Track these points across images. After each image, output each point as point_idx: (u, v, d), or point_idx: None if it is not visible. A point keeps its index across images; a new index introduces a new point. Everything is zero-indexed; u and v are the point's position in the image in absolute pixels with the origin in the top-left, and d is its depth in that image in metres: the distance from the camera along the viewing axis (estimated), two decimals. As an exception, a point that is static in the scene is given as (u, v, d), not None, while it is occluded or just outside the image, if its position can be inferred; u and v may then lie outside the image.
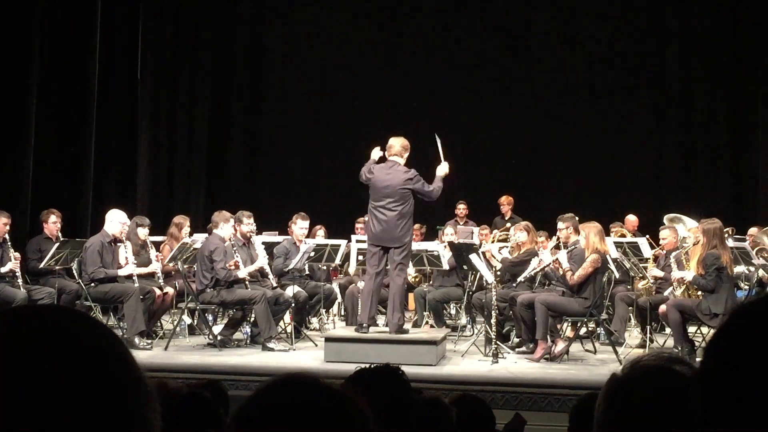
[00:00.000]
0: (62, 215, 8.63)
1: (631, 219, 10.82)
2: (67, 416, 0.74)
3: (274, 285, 8.14)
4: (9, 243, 7.90)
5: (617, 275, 8.19)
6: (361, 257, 8.75)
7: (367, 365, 2.52)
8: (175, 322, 8.46)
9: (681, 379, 1.24)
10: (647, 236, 9.54)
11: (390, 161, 7.27)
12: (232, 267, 7.90)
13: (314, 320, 9.30)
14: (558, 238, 7.82)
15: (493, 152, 13.07)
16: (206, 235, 8.70)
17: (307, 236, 9.40)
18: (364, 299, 7.37)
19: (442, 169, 7.37)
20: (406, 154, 7.31)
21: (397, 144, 7.31)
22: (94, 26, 11.12)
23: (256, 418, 0.98)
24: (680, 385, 1.22)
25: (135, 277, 7.95)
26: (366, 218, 10.49)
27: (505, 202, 11.57)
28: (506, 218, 11.39)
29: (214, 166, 13.34)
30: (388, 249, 7.23)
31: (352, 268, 9.58)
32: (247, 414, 0.99)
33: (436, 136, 7.45)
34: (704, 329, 7.83)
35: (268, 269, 8.28)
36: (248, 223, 8.38)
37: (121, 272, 7.98)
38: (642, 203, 11.67)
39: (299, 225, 9.00)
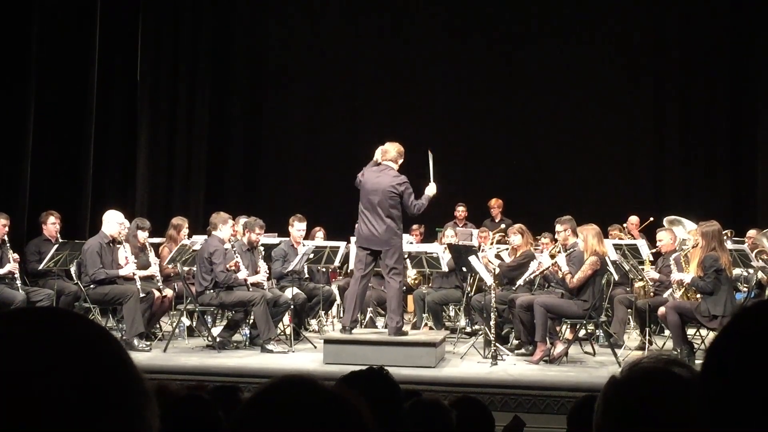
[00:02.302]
0: (61, 216, 8.63)
1: (633, 220, 10.82)
2: (66, 418, 0.74)
3: (269, 293, 8.10)
4: (8, 244, 7.90)
5: (616, 277, 8.19)
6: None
7: (357, 369, 2.55)
8: (174, 324, 8.46)
9: (680, 382, 1.24)
10: (646, 238, 9.56)
11: (383, 165, 7.27)
12: (232, 268, 7.90)
13: (313, 322, 9.30)
14: (557, 242, 7.84)
15: (491, 154, 13.06)
16: (205, 236, 8.70)
17: (306, 238, 9.40)
18: (347, 302, 7.37)
19: (431, 189, 7.33)
20: (401, 161, 7.31)
21: (393, 150, 7.30)
22: (94, 27, 11.12)
23: (254, 420, 0.98)
24: (679, 388, 1.22)
25: (137, 277, 7.94)
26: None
27: (495, 205, 11.58)
28: (496, 221, 11.41)
29: (213, 167, 13.33)
30: (376, 253, 7.22)
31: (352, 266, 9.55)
32: (246, 416, 0.99)
33: (429, 153, 7.40)
34: (703, 331, 7.83)
35: (265, 283, 8.29)
36: (259, 233, 8.40)
37: (122, 272, 7.97)
38: (641, 205, 11.66)
39: (296, 227, 9.01)
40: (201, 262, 7.92)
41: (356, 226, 7.42)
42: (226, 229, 8.07)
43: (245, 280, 7.95)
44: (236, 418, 1.00)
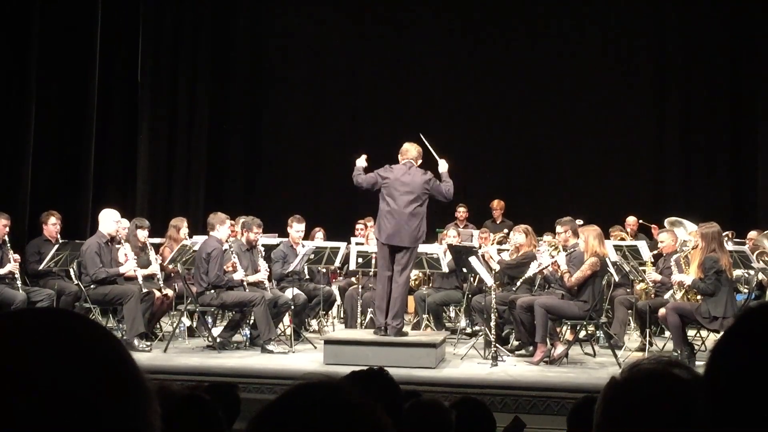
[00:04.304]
0: (62, 217, 8.63)
1: (631, 221, 10.84)
2: (67, 417, 0.74)
3: (270, 293, 8.08)
4: (8, 245, 7.90)
5: (617, 278, 8.19)
6: (360, 259, 8.75)
7: (357, 370, 2.56)
8: (175, 324, 8.46)
9: (680, 383, 1.24)
10: (646, 239, 9.57)
11: (407, 163, 7.26)
12: (230, 269, 7.90)
13: (313, 323, 9.30)
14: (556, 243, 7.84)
15: (491, 155, 13.07)
16: (206, 237, 8.70)
17: (306, 238, 9.39)
18: (378, 303, 7.28)
19: (443, 166, 7.38)
20: (420, 162, 7.32)
21: (413, 149, 7.31)
22: (95, 28, 11.13)
23: (276, 423, 0.98)
24: (679, 389, 1.22)
25: (138, 275, 7.94)
26: (365, 221, 10.52)
27: (497, 207, 11.58)
28: (497, 222, 11.40)
29: (213, 167, 13.34)
30: (396, 250, 7.19)
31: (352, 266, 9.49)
32: (268, 419, 0.99)
33: (422, 136, 7.44)
34: (704, 333, 7.83)
35: (266, 282, 8.27)
36: (257, 232, 8.40)
37: (122, 269, 7.97)
38: (641, 206, 11.67)
39: (295, 228, 9.00)
40: (199, 262, 7.92)
41: (377, 224, 7.37)
42: (224, 229, 8.07)
43: (242, 281, 7.94)
44: (258, 420, 0.99)
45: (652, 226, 10.02)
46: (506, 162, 13.05)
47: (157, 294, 8.09)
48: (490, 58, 13.16)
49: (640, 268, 8.24)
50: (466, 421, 2.88)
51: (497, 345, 7.26)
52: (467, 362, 7.32)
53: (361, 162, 7.39)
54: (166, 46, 12.99)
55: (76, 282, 8.21)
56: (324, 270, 9.32)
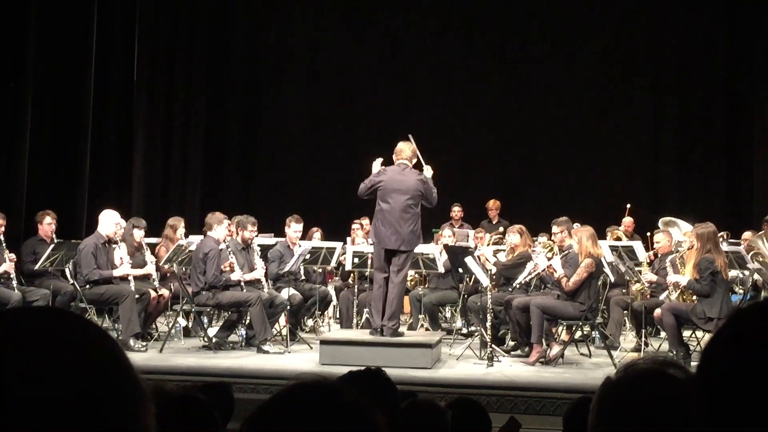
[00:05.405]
0: (57, 216, 8.61)
1: (627, 221, 10.84)
2: (61, 417, 0.74)
3: (266, 293, 8.06)
4: (4, 244, 7.88)
5: (612, 279, 8.20)
6: (356, 260, 8.75)
7: (354, 370, 2.56)
8: (170, 324, 8.45)
9: (675, 383, 1.24)
10: (643, 239, 9.56)
11: (401, 164, 7.25)
12: (227, 269, 7.89)
13: (309, 323, 9.30)
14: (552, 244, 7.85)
15: (487, 155, 13.08)
16: (202, 236, 8.69)
17: (303, 238, 9.39)
18: (375, 304, 7.26)
19: (428, 172, 7.31)
20: (414, 161, 7.30)
21: (407, 149, 7.29)
22: (91, 27, 11.12)
23: (271, 423, 0.98)
24: (674, 389, 1.22)
25: (131, 278, 7.93)
26: (360, 221, 10.51)
27: (493, 207, 11.56)
28: (493, 222, 11.39)
29: (210, 167, 13.33)
30: (392, 252, 7.19)
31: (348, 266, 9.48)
32: (262, 419, 0.99)
33: (410, 138, 7.38)
34: (699, 333, 7.85)
35: (263, 280, 8.25)
36: (252, 230, 8.37)
37: (116, 273, 7.95)
38: (637, 207, 11.67)
39: (293, 228, 8.99)
40: (196, 262, 7.91)
41: (372, 226, 7.36)
42: (221, 229, 8.06)
43: (239, 281, 7.93)
44: (252, 420, 0.99)
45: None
46: (502, 162, 13.05)
47: (153, 294, 8.08)
48: (487, 59, 13.17)
49: (636, 268, 8.25)
50: (462, 421, 2.88)
51: (493, 345, 7.26)
52: (463, 362, 7.32)
53: (376, 166, 7.32)
54: (162, 46, 12.98)
55: (71, 282, 8.19)
56: (320, 270, 9.32)
